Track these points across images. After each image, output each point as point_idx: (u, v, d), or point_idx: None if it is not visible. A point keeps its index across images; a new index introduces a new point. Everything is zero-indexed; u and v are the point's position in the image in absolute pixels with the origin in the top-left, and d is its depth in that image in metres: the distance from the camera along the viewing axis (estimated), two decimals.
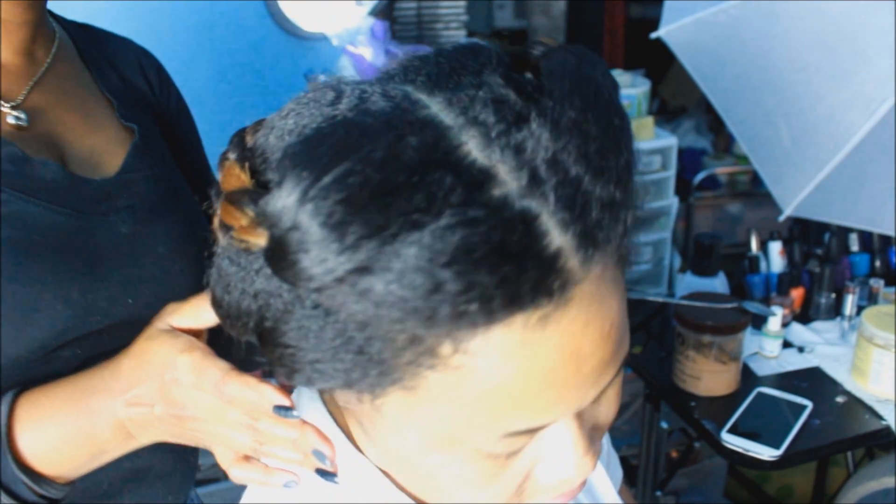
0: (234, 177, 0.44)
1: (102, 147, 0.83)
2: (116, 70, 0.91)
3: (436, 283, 0.36)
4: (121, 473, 0.83)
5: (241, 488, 0.59)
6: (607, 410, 0.48)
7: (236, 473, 0.58)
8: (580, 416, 0.45)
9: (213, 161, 0.50)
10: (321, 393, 0.56)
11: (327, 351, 0.41)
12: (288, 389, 0.57)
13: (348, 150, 0.37)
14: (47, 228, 0.74)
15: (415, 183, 0.36)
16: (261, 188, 0.42)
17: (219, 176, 0.46)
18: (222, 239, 0.45)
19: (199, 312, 0.60)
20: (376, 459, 0.53)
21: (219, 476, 2.11)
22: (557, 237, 0.38)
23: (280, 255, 0.39)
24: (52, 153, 0.78)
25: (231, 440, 0.57)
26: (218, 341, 0.57)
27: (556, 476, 0.46)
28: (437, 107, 0.40)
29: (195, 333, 0.61)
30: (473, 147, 0.38)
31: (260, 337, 0.45)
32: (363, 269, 0.37)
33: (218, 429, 0.57)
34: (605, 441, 0.72)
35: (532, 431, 0.43)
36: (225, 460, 0.59)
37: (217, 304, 0.47)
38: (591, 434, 0.47)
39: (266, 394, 0.55)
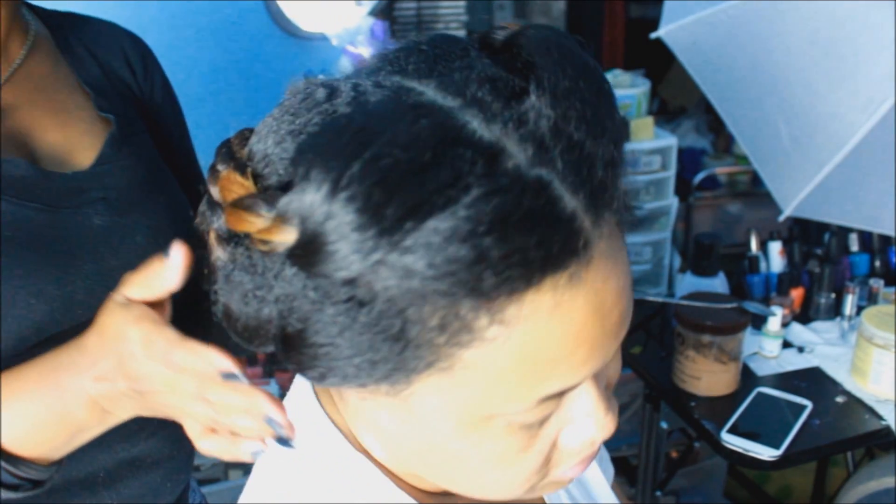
0: (237, 185, 0.44)
1: (76, 140, 0.83)
2: (96, 59, 0.90)
3: (479, 252, 0.38)
4: (118, 462, 0.84)
5: (241, 488, 0.59)
6: (615, 367, 0.50)
7: (204, 446, 0.56)
8: (597, 375, 0.47)
9: (209, 160, 0.50)
10: (319, 399, 0.56)
11: (362, 344, 0.41)
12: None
13: (371, 136, 0.38)
14: (17, 224, 0.74)
15: (440, 160, 0.38)
16: (273, 191, 0.42)
17: (213, 189, 0.46)
18: (226, 252, 0.45)
19: (150, 281, 0.57)
20: (390, 459, 0.53)
21: (219, 476, 2.11)
22: (570, 200, 0.40)
23: (314, 249, 0.39)
24: (22, 150, 0.78)
25: (190, 412, 0.56)
26: (211, 330, 0.56)
27: (581, 438, 0.48)
28: (431, 92, 0.41)
29: (157, 304, 0.59)
30: (477, 125, 0.40)
31: (284, 343, 0.44)
32: (405, 248, 0.38)
33: (176, 401, 0.56)
34: None
35: (563, 394, 0.44)
36: (193, 433, 0.57)
37: (233, 320, 0.46)
38: (606, 393, 0.49)
39: (211, 359, 0.53)
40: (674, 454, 2.37)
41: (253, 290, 0.44)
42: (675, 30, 1.84)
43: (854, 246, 1.98)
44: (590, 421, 0.47)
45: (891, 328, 1.52)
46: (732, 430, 1.47)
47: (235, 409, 0.53)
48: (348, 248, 0.38)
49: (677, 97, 3.71)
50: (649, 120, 2.46)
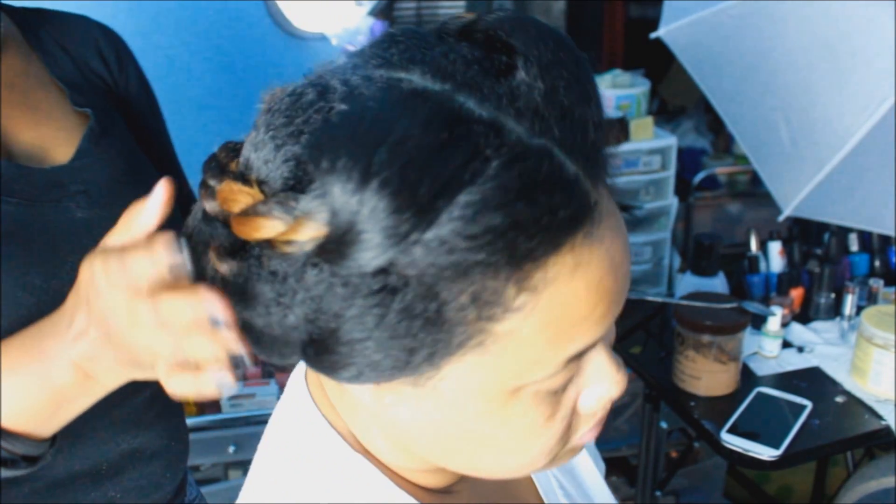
0: (242, 194, 0.43)
1: (52, 137, 0.83)
2: (69, 54, 0.90)
3: (512, 218, 0.39)
4: (119, 454, 0.85)
5: (241, 488, 0.59)
6: (613, 330, 0.52)
7: (172, 385, 0.53)
8: (604, 336, 0.48)
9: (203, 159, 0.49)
10: (315, 401, 0.56)
11: (399, 332, 0.41)
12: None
13: (387, 123, 0.39)
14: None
15: (456, 138, 0.39)
16: (286, 193, 0.41)
17: (209, 204, 0.45)
18: (233, 266, 0.44)
19: (129, 222, 0.55)
20: (402, 455, 0.53)
21: (219, 476, 2.11)
22: (571, 164, 0.41)
23: (347, 240, 0.39)
24: None
25: (154, 346, 0.53)
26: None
27: (599, 397, 0.49)
28: (419, 79, 0.42)
29: None
30: (473, 105, 0.41)
31: (316, 347, 0.44)
32: (440, 225, 0.39)
33: (140, 336, 0.53)
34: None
35: (584, 353, 0.46)
36: (162, 373, 0.54)
37: (256, 334, 0.45)
38: (612, 352, 0.50)
39: (159, 257, 0.50)
40: (673, 454, 2.37)
41: (275, 299, 0.43)
42: (675, 30, 1.84)
43: (854, 246, 1.99)
44: (605, 379, 0.49)
45: (890, 328, 1.52)
46: (732, 430, 1.47)
47: (188, 324, 0.49)
48: (382, 234, 0.39)
49: (677, 97, 3.70)
50: (649, 120, 2.46)
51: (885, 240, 1.97)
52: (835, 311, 1.84)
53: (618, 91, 2.46)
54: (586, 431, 0.51)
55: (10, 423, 0.65)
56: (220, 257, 0.45)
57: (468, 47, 0.43)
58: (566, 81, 0.42)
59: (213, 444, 1.93)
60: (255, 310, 0.44)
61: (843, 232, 1.95)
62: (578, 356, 0.45)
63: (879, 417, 1.52)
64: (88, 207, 0.81)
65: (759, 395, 1.57)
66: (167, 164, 0.99)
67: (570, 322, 0.43)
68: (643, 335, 1.82)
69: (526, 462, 0.49)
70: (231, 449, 1.92)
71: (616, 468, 2.45)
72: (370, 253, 0.39)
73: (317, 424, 0.55)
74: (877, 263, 1.98)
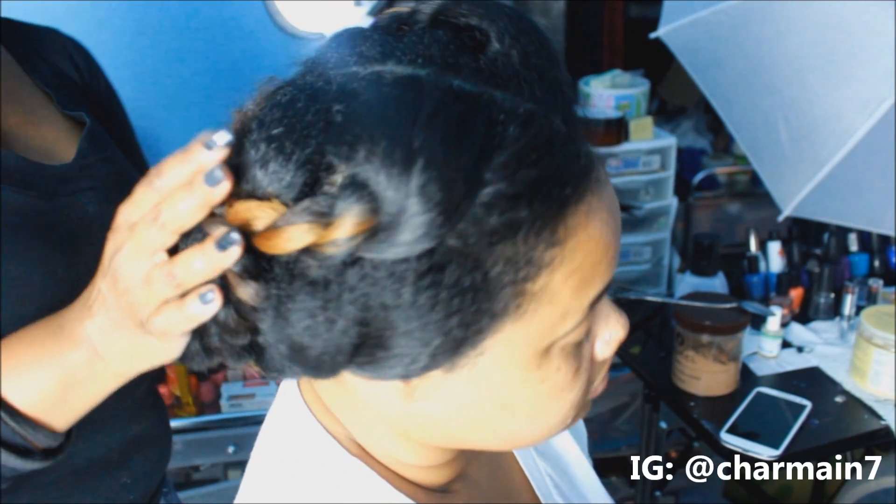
0: (262, 209, 0.42)
1: (51, 139, 0.85)
2: (47, 62, 0.92)
3: (546, 171, 0.42)
4: (126, 441, 0.90)
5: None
6: None
7: (156, 323, 0.50)
8: None
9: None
10: (314, 413, 0.55)
11: (448, 310, 0.42)
12: None
13: (409, 105, 0.40)
14: (23, 211, 0.76)
15: (471, 108, 0.41)
16: (317, 197, 0.40)
17: (217, 231, 0.43)
18: (259, 288, 0.43)
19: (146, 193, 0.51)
20: (418, 451, 0.53)
21: (218, 476, 2.11)
22: (558, 122, 0.44)
23: (393, 226, 0.39)
24: (8, 148, 0.80)
25: (145, 276, 0.49)
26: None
27: (610, 340, 0.52)
28: (402, 68, 0.42)
29: None
30: (461, 82, 0.42)
31: (369, 348, 0.43)
32: (486, 190, 0.40)
33: (131, 268, 0.50)
34: None
35: (598, 299, 0.48)
36: (147, 312, 0.50)
37: (305, 351, 0.44)
38: None
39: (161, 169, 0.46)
40: (673, 454, 2.37)
41: (321, 307, 0.42)
42: (675, 30, 1.84)
43: (853, 246, 1.98)
44: (612, 323, 0.52)
45: (890, 328, 1.52)
46: (732, 430, 1.47)
47: (180, 194, 0.45)
48: (434, 212, 0.39)
49: (677, 97, 3.70)
50: (648, 120, 2.46)
51: (884, 240, 1.97)
52: (834, 311, 1.84)
53: (617, 91, 2.46)
54: (599, 382, 0.53)
55: (25, 405, 0.65)
56: (243, 282, 0.43)
57: (436, 31, 0.44)
58: (535, 47, 0.44)
59: (212, 444, 1.93)
60: (297, 328, 0.43)
61: (842, 232, 1.95)
62: (594, 303, 0.48)
63: (879, 417, 1.52)
64: (97, 202, 0.84)
65: (759, 395, 1.57)
66: (143, 169, 1.02)
67: (590, 267, 0.45)
68: (643, 335, 1.83)
69: (556, 422, 0.50)
70: (231, 449, 1.92)
71: (615, 468, 2.45)
72: (418, 232, 0.39)
73: (312, 430, 0.54)
74: (876, 263, 1.98)
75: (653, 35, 1.90)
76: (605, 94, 2.44)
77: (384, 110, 0.40)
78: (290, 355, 0.44)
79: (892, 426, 1.50)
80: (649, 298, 1.81)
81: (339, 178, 0.40)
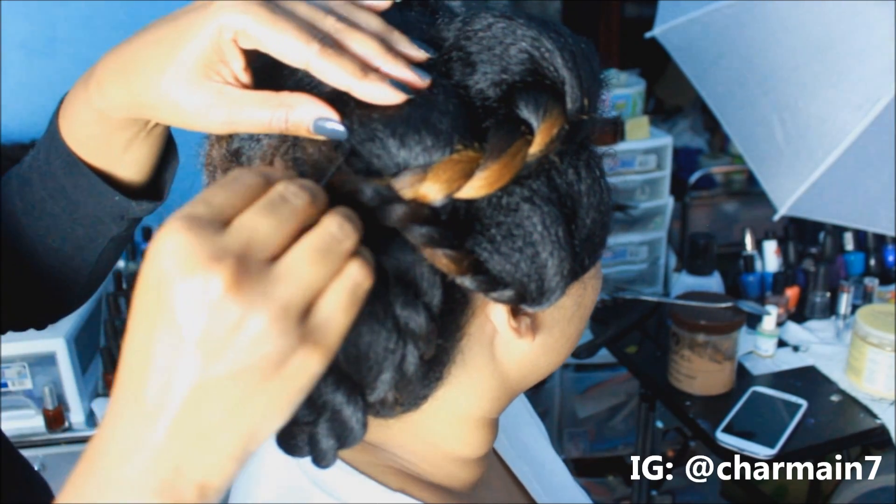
0: (465, 157, 0.41)
1: None
2: None
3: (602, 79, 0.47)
4: None
5: None
6: None
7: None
8: None
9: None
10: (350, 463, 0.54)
11: (606, 203, 0.48)
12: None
13: (541, 23, 0.46)
14: None
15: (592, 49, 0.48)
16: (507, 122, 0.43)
17: (431, 188, 0.40)
18: (462, 249, 0.42)
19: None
20: (500, 396, 0.53)
21: None
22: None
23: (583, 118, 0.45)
24: None
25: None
26: None
27: None
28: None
29: None
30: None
31: (582, 251, 0.47)
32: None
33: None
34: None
35: None
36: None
37: (519, 288, 0.45)
38: None
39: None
40: (670, 453, 2.37)
41: (551, 219, 0.44)
42: (670, 29, 1.85)
43: (849, 245, 1.99)
44: None
45: (886, 327, 1.53)
46: (728, 430, 1.47)
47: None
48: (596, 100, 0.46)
49: (673, 97, 3.71)
50: (645, 119, 2.46)
51: (880, 239, 1.98)
52: (830, 310, 1.84)
53: (613, 90, 2.46)
54: None
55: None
56: (447, 251, 0.41)
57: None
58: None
59: None
60: (510, 261, 0.44)
61: (838, 231, 1.95)
62: None
63: (874, 416, 1.53)
64: None
65: (755, 394, 1.57)
66: None
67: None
68: (639, 335, 1.82)
69: (570, 348, 0.54)
70: None
71: (612, 468, 2.45)
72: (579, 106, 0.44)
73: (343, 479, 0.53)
74: (872, 262, 1.98)
75: (648, 35, 1.90)
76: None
77: (531, 22, 0.46)
78: (517, 297, 0.45)
79: (888, 425, 1.50)
80: (645, 298, 1.81)
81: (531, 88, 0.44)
